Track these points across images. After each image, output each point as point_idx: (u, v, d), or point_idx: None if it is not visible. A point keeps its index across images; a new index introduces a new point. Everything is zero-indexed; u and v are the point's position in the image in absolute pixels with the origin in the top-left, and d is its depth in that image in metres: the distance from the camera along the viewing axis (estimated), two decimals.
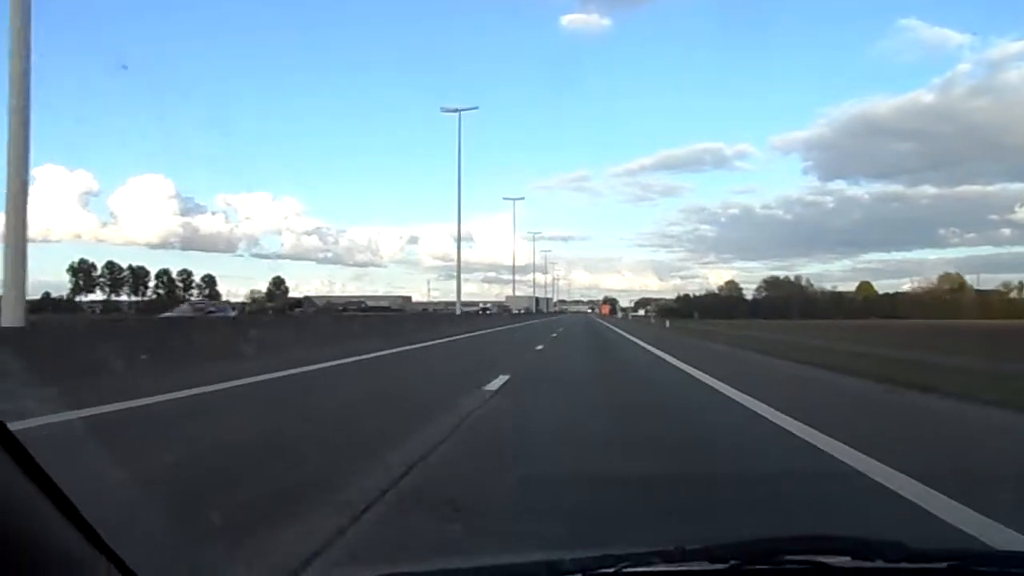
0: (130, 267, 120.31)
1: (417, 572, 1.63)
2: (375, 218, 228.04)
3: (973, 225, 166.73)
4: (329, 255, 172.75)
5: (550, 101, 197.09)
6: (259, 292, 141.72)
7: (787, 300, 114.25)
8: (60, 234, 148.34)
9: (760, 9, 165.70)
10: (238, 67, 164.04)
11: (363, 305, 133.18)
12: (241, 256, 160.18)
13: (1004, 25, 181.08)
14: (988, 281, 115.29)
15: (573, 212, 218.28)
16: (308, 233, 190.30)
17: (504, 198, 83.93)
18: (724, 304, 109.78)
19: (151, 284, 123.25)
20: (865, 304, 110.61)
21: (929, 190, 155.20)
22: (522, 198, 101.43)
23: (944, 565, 1.40)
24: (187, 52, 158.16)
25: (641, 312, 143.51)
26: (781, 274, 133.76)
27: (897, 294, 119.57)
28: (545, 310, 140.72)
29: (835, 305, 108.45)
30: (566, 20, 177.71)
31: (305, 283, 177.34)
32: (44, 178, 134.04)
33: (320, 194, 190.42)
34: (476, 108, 45.40)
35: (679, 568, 1.39)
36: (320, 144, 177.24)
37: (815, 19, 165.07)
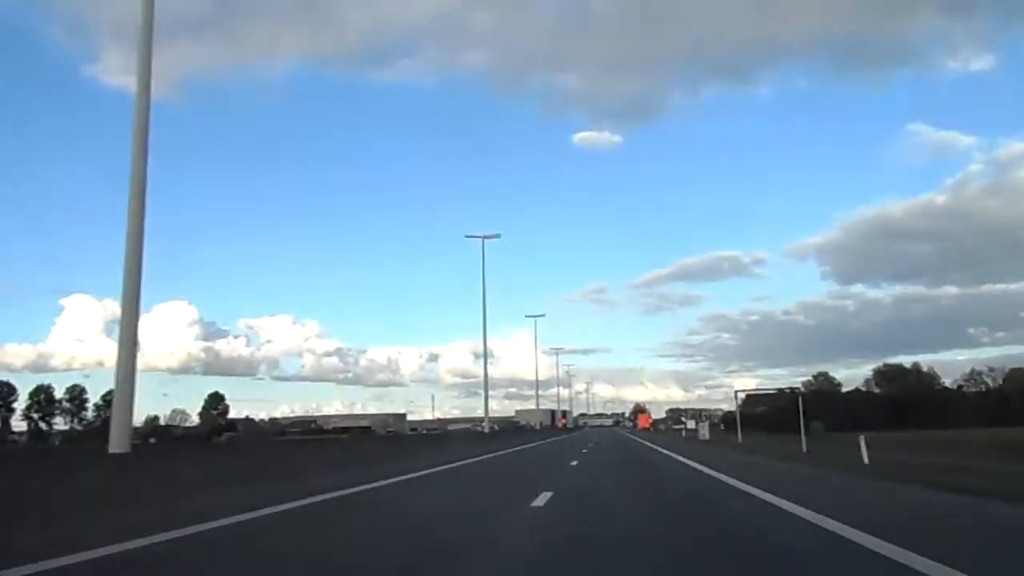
0: None
1: None
2: (395, 338, 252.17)
3: (1003, 324, 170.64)
4: (349, 376, 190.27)
5: (566, 217, 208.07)
6: (182, 411, 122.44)
7: (951, 401, 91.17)
8: (83, 361, 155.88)
9: (766, 118, 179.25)
10: (263, 197, 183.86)
11: (312, 427, 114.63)
12: (261, 379, 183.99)
13: (1008, 126, 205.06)
14: None
15: (592, 325, 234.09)
16: (328, 354, 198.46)
17: (526, 316, 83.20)
18: (845, 408, 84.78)
19: (19, 406, 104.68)
20: None
21: (952, 290, 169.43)
22: (543, 315, 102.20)
23: None
24: (213, 185, 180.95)
25: (692, 424, 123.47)
26: (891, 362, 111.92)
27: None
28: (562, 427, 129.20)
29: None
30: (578, 138, 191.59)
31: (327, 404, 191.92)
32: (72, 308, 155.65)
33: (340, 316, 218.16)
34: (498, 236, 47.21)
35: None
36: (342, 268, 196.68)
37: (823, 126, 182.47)
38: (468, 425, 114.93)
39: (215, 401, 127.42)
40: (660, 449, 32.62)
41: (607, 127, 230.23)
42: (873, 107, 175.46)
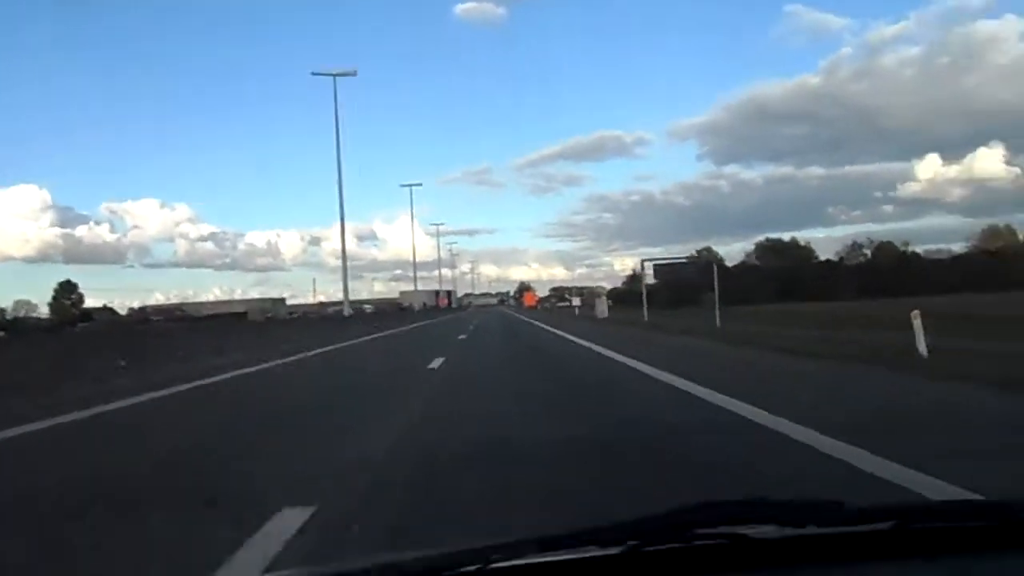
0: None
1: None
2: (274, 221, 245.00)
3: (859, 203, 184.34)
4: (227, 261, 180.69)
5: (449, 93, 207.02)
6: (27, 301, 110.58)
7: (834, 274, 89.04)
8: None
9: None
10: (118, 68, 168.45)
11: (177, 314, 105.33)
12: (132, 267, 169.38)
13: (880, 9, 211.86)
14: None
15: (477, 205, 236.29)
16: (203, 239, 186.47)
17: (401, 185, 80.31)
18: (732, 283, 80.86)
19: None
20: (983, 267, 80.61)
21: (817, 171, 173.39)
22: (420, 184, 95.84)
23: (887, 525, 1.29)
24: (57, 59, 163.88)
25: (577, 300, 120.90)
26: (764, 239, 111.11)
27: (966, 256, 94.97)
28: (445, 306, 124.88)
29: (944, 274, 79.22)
30: (460, 9, 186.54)
31: (205, 292, 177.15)
32: None
33: (214, 199, 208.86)
34: (354, 73, 43.43)
35: (564, 557, 1.22)
36: (212, 147, 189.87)
37: (709, 4, 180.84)
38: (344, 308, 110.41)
39: (67, 290, 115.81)
40: (560, 333, 26.88)
41: None
42: None
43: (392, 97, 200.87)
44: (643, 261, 29.45)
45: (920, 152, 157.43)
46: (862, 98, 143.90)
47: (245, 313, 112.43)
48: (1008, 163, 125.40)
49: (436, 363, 14.04)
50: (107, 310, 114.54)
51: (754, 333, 20.10)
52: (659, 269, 33.34)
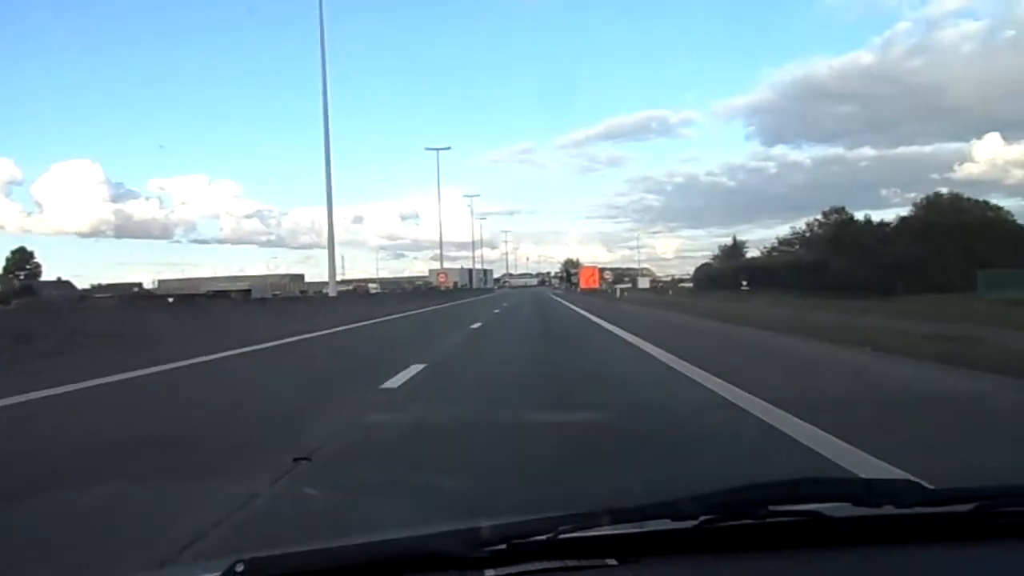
0: None
1: (307, 551, 1.42)
2: (318, 199, 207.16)
3: (913, 185, 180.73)
4: (272, 238, 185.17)
5: (493, 70, 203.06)
6: None
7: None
8: None
9: None
10: (163, 47, 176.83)
11: (138, 291, 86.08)
12: (179, 243, 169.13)
13: None
14: None
15: (519, 185, 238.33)
16: (248, 216, 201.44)
17: (426, 148, 79.46)
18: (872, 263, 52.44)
19: None
20: None
21: (869, 152, 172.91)
22: (448, 147, 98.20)
23: (969, 507, 1.31)
24: (109, 34, 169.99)
25: (643, 283, 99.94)
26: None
27: None
28: (483, 285, 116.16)
29: None
30: None
31: (251, 267, 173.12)
32: None
33: (259, 176, 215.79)
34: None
35: (634, 530, 1.26)
36: (255, 125, 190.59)
37: None
38: (361, 286, 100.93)
39: (20, 260, 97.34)
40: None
41: None
42: None
43: (435, 67, 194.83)
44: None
45: (979, 132, 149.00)
46: (918, 76, 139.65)
47: (249, 290, 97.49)
48: None
49: None
50: (65, 284, 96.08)
51: None
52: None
